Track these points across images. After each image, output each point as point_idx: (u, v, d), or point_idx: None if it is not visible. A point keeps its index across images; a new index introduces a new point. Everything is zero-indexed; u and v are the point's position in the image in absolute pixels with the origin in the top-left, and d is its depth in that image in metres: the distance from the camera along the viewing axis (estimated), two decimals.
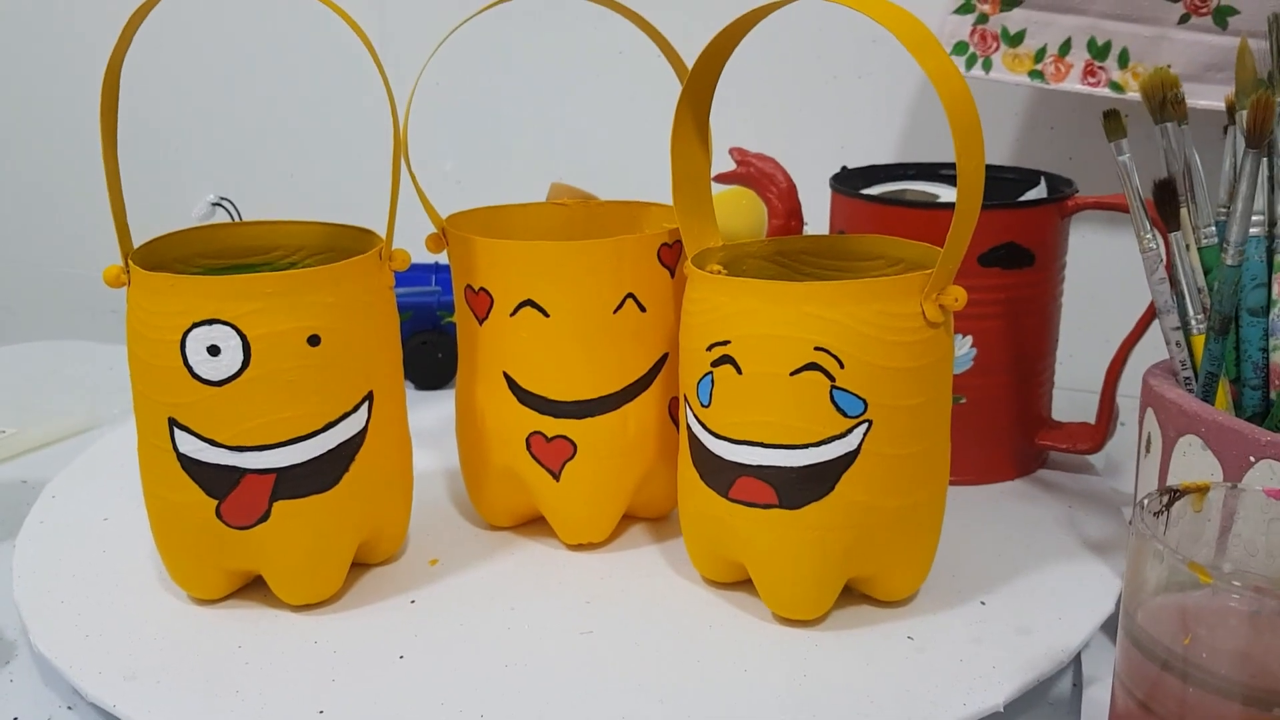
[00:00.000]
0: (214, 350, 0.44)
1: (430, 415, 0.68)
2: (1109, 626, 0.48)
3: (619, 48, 0.84)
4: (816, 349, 0.43)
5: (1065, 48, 0.67)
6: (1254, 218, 0.47)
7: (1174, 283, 0.50)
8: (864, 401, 0.44)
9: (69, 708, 0.46)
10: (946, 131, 0.41)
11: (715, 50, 0.47)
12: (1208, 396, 0.48)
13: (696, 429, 0.47)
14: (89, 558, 0.53)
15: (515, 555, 0.54)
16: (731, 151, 0.66)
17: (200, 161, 1.00)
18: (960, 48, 0.68)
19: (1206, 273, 0.50)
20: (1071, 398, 0.68)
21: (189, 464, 0.46)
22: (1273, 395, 0.47)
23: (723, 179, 0.66)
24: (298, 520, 0.47)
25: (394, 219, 0.49)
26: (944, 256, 0.43)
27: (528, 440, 0.52)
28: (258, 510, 0.46)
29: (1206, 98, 0.63)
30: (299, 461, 0.46)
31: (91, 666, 0.44)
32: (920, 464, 0.46)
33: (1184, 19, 0.64)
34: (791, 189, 0.65)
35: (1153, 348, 0.54)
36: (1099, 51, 0.66)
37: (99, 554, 0.53)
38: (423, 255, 0.54)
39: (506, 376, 0.52)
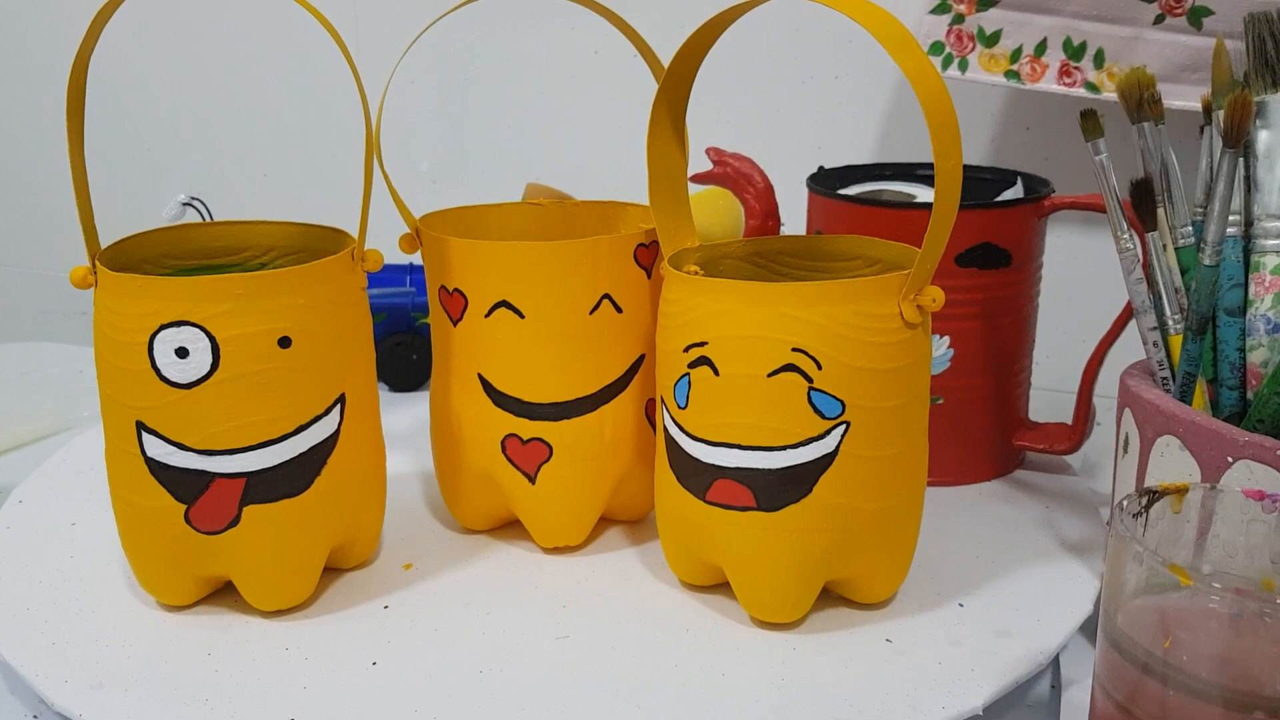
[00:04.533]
0: (182, 352, 0.43)
1: (405, 418, 0.68)
2: (1087, 628, 0.48)
3: (595, 47, 0.83)
4: (794, 350, 0.43)
5: (1041, 48, 0.67)
6: (1230, 217, 0.47)
7: (1151, 283, 0.50)
8: (842, 403, 0.43)
9: (34, 717, 0.45)
10: (923, 132, 0.41)
11: (691, 49, 0.46)
12: (1185, 397, 0.48)
13: (673, 431, 0.47)
14: (56, 563, 0.52)
15: (490, 559, 0.53)
16: (708, 151, 0.66)
17: (172, 161, 0.99)
18: (936, 48, 0.68)
19: (1183, 273, 0.50)
20: (1048, 398, 0.68)
21: (157, 468, 0.45)
22: (1250, 395, 0.47)
23: (699, 179, 0.65)
24: (268, 525, 0.46)
25: (366, 219, 0.48)
26: (922, 256, 0.43)
27: (503, 443, 0.51)
28: (227, 515, 0.45)
29: (1182, 98, 0.64)
30: (269, 465, 0.45)
31: (58, 675, 0.44)
32: (898, 466, 0.45)
33: (1159, 19, 0.64)
34: (768, 189, 0.65)
35: (1129, 348, 0.54)
36: (1075, 52, 0.66)
37: (66, 560, 0.53)
38: (397, 256, 0.54)
39: (481, 378, 0.51)
